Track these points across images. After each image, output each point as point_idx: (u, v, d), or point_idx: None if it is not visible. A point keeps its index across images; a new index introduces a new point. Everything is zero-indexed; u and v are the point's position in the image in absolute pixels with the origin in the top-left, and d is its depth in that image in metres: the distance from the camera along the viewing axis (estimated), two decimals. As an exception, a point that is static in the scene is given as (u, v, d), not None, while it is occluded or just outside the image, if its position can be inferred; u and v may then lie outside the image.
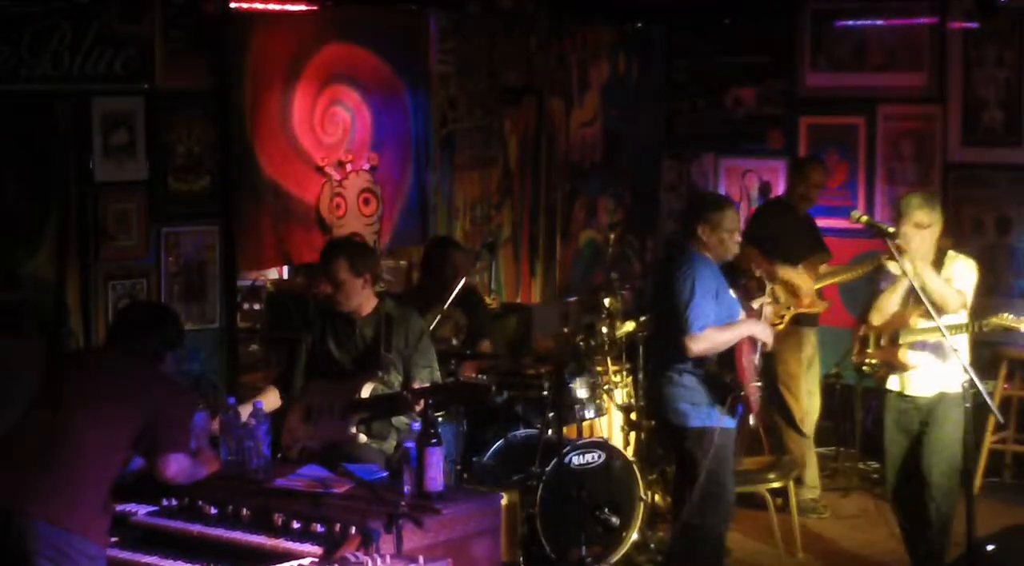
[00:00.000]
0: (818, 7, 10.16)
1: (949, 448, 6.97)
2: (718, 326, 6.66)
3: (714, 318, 6.65)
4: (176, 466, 5.35)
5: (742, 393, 6.66)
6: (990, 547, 6.04)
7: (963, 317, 6.97)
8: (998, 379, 9.01)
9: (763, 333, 6.85)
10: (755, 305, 7.15)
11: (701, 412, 6.72)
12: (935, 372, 7.01)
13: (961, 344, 6.82)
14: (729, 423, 6.75)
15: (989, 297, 8.46)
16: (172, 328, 5.56)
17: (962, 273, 7.05)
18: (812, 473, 8.78)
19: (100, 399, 5.24)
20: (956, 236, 8.76)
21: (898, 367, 7.07)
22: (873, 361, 7.18)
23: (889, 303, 7.06)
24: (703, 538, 6.80)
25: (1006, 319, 6.94)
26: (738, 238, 6.86)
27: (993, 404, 6.51)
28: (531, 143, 10.14)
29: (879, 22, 9.98)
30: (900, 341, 7.01)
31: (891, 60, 9.97)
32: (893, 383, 7.15)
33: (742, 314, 6.85)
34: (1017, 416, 9.15)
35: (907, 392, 7.11)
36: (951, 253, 7.09)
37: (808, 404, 8.76)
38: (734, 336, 6.69)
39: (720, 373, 6.71)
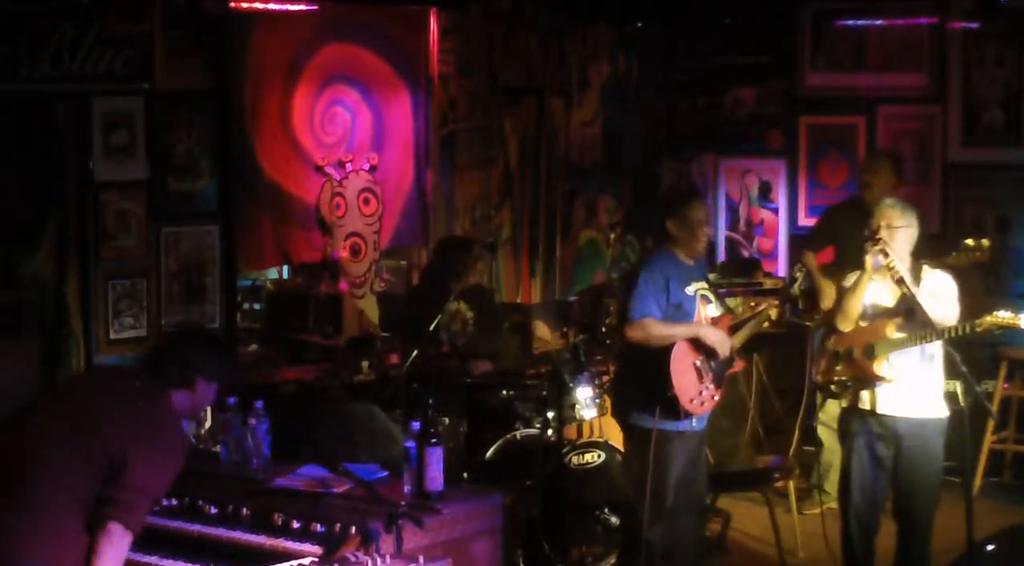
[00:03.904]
0: (818, 7, 10.16)
1: (930, 487, 6.57)
2: (661, 319, 6.66)
3: (657, 310, 6.66)
4: (114, 541, 4.53)
5: (669, 395, 6.58)
6: (990, 547, 6.02)
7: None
8: (998, 379, 8.99)
9: (712, 338, 6.70)
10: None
11: (638, 411, 6.74)
12: (914, 390, 6.49)
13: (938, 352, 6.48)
14: (669, 426, 6.66)
15: (989, 298, 8.44)
16: (202, 352, 4.91)
17: (942, 287, 6.51)
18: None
19: (62, 435, 4.59)
20: (956, 236, 8.76)
21: (873, 381, 6.49)
22: (843, 378, 6.60)
23: (853, 305, 6.51)
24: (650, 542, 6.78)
25: (1001, 318, 6.24)
26: (708, 231, 6.95)
27: (989, 405, 6.26)
28: (531, 143, 10.14)
29: (879, 22, 9.98)
30: (876, 353, 6.44)
31: (891, 60, 9.96)
32: (864, 401, 6.56)
33: (698, 314, 6.79)
34: (1017, 416, 9.14)
35: (880, 410, 6.51)
36: (926, 267, 6.58)
37: None
38: (674, 333, 6.65)
39: (652, 373, 6.62)
